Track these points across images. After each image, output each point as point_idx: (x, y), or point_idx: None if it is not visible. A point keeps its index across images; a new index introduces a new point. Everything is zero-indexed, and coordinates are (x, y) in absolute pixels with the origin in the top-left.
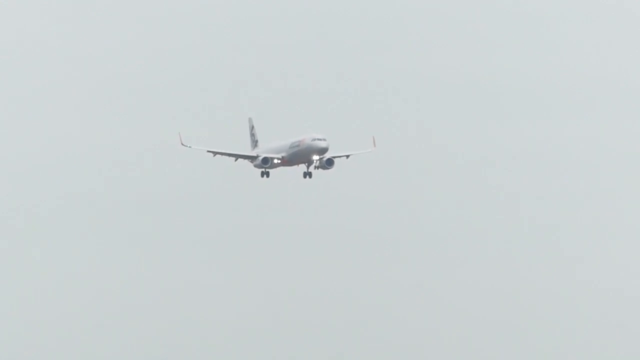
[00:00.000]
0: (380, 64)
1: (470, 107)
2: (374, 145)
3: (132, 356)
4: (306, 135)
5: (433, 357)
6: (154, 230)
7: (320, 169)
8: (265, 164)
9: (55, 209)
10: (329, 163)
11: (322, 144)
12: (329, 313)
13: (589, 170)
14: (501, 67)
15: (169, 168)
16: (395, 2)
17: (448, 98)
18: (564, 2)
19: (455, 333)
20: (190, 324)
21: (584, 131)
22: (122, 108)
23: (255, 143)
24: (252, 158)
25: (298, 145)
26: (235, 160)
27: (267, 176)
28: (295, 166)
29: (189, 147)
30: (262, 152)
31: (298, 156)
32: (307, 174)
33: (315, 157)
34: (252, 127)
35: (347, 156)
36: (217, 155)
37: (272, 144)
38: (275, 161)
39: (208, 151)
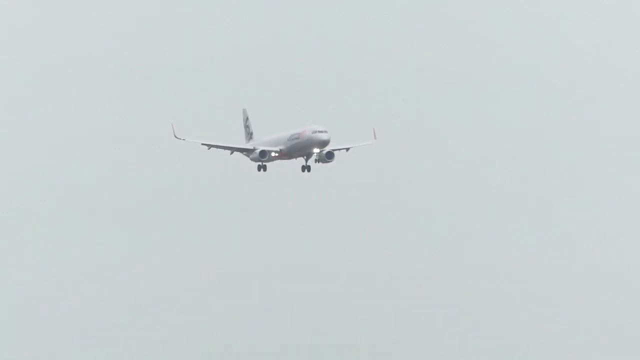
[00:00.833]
0: (380, 55)
1: (472, 100)
2: (375, 138)
3: (129, 353)
4: (306, 127)
5: (432, 353)
6: (148, 227)
7: (320, 163)
8: (263, 158)
9: (47, 204)
10: (329, 156)
11: (324, 136)
12: (329, 308)
13: (591, 165)
14: (500, 60)
15: (161, 162)
16: None
17: (450, 90)
18: (563, 1)
19: (455, 328)
20: (186, 319)
21: (586, 126)
22: (113, 100)
23: (250, 135)
24: (249, 151)
25: (298, 138)
26: (231, 153)
27: (265, 170)
28: (294, 159)
29: (183, 139)
30: (258, 144)
31: (297, 149)
32: (306, 168)
33: (316, 150)
34: (247, 119)
35: (347, 149)
36: (212, 149)
37: (269, 137)
38: (273, 154)
39: (202, 144)
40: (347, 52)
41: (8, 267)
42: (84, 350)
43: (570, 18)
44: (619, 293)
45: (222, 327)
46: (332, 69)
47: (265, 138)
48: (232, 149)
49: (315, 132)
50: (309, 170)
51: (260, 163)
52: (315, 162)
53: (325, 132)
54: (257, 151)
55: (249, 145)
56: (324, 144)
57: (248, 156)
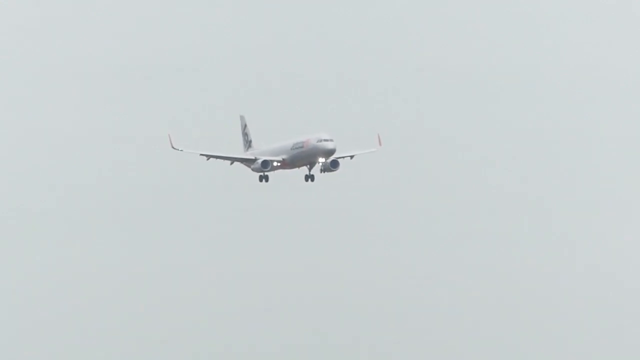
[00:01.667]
0: (380, 55)
1: (472, 100)
2: (380, 144)
3: (127, 354)
4: (310, 136)
5: (436, 357)
6: (147, 228)
7: (325, 172)
8: (266, 168)
9: (46, 204)
10: (334, 165)
11: (330, 145)
12: (336, 317)
13: (591, 165)
14: (500, 60)
15: (159, 174)
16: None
17: (450, 90)
18: (563, 1)
19: (464, 335)
20: (184, 320)
21: (586, 126)
22: (112, 100)
23: (248, 143)
24: (249, 161)
25: (302, 147)
26: (231, 163)
27: (267, 180)
28: (296, 169)
29: (181, 150)
30: (258, 153)
31: (301, 158)
32: (309, 177)
33: (321, 160)
34: (245, 126)
35: (352, 156)
36: (211, 159)
37: (270, 145)
38: (275, 164)
39: (201, 154)
40: (347, 53)
41: (6, 267)
42: (83, 350)
43: (570, 18)
44: (619, 293)
45: (221, 330)
46: (333, 70)
47: (266, 147)
48: (233, 159)
49: (320, 140)
50: (312, 180)
51: (262, 173)
52: (321, 172)
53: (331, 140)
54: (259, 161)
55: (249, 155)
56: (329, 153)
57: (249, 166)
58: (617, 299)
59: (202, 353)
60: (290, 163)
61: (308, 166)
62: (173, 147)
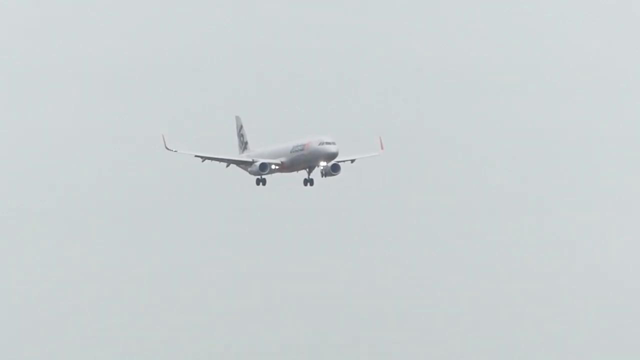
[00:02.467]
0: (383, 58)
1: (473, 100)
2: (382, 148)
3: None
4: (312, 138)
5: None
6: (145, 228)
7: (326, 176)
8: (264, 171)
9: (45, 204)
10: (335, 169)
11: (332, 149)
12: (333, 323)
13: (592, 165)
14: (506, 57)
15: (153, 175)
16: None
17: (457, 95)
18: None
19: (466, 338)
20: (183, 320)
21: (587, 126)
22: (106, 108)
23: (244, 145)
24: (247, 164)
25: (302, 150)
26: (227, 166)
27: (264, 184)
28: (295, 172)
29: (175, 151)
30: (255, 155)
31: (300, 162)
32: (308, 181)
33: (323, 164)
34: (241, 127)
35: (352, 160)
36: (207, 161)
37: (268, 147)
38: (273, 167)
39: (196, 156)
40: (347, 53)
41: (5, 266)
42: (81, 349)
43: (570, 18)
44: (619, 293)
45: (218, 331)
46: (331, 71)
47: (264, 149)
48: (229, 162)
49: (322, 143)
50: (311, 184)
51: (259, 177)
52: (322, 176)
53: (334, 143)
54: (257, 164)
55: (246, 157)
56: (331, 156)
57: (245, 169)
58: (617, 298)
59: (200, 354)
60: (289, 166)
61: (307, 170)
62: (167, 148)
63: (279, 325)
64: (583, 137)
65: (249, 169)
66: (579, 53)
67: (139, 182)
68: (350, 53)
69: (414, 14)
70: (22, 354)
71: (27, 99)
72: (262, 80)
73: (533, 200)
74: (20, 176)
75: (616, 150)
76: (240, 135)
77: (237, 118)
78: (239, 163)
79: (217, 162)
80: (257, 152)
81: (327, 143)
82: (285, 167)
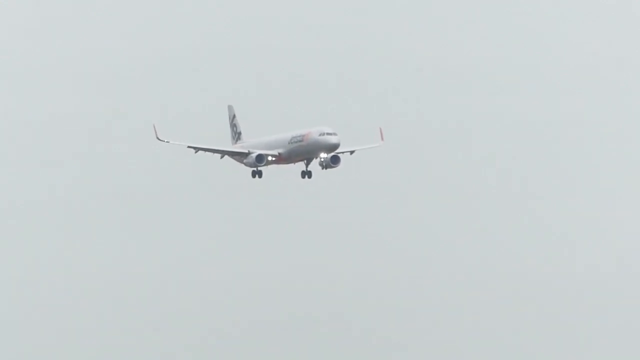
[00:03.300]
0: (383, 55)
1: (472, 99)
2: (382, 139)
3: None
4: (311, 129)
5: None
6: (144, 228)
7: (326, 168)
8: (260, 163)
9: (44, 204)
10: (335, 161)
11: (333, 140)
12: (333, 321)
13: (594, 164)
14: (506, 56)
15: (142, 168)
16: None
17: (450, 90)
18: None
19: (467, 335)
20: (181, 320)
21: (588, 125)
22: (100, 99)
23: (237, 135)
24: (242, 155)
25: (301, 141)
26: (222, 157)
27: (260, 176)
28: (292, 164)
29: (167, 142)
30: (250, 146)
31: (299, 153)
32: (306, 173)
33: (323, 155)
34: (233, 117)
35: (352, 152)
36: (200, 152)
37: (263, 138)
38: (270, 158)
39: (189, 147)
40: (346, 51)
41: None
42: (78, 348)
43: (570, 17)
44: (620, 293)
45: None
46: (327, 63)
47: (259, 139)
48: (224, 153)
49: (322, 134)
50: (309, 176)
51: (255, 169)
52: (322, 168)
53: (335, 134)
54: (254, 155)
55: (240, 148)
56: (333, 147)
57: (240, 161)
58: (618, 298)
59: (196, 350)
60: (286, 158)
61: (305, 161)
62: (158, 139)
63: (276, 322)
64: (586, 136)
65: (244, 161)
66: (578, 52)
67: (129, 175)
68: (349, 48)
69: (419, 5)
70: (22, 353)
71: (26, 98)
72: (258, 72)
73: (533, 194)
74: (15, 170)
75: (617, 149)
76: (233, 125)
77: (230, 107)
78: (233, 154)
79: (211, 153)
80: (252, 142)
81: (328, 134)
82: (282, 159)
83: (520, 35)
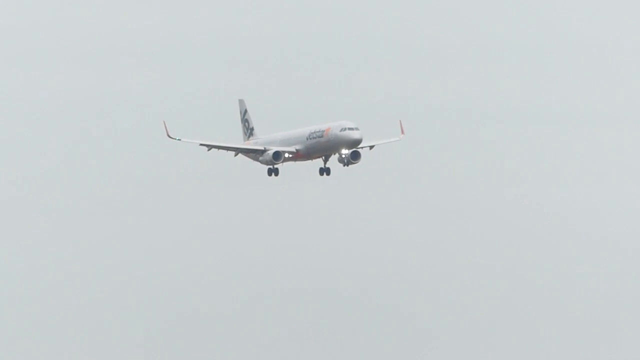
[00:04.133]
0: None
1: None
2: (402, 133)
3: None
4: (332, 124)
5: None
6: (143, 228)
7: (347, 165)
8: (277, 160)
9: (44, 203)
10: (355, 157)
11: (355, 135)
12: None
13: (596, 164)
14: (530, 45)
15: (153, 167)
16: None
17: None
18: None
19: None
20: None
21: (591, 124)
22: (106, 91)
23: (250, 131)
24: (257, 152)
25: (321, 136)
26: (236, 155)
27: (276, 174)
28: (309, 161)
29: (178, 139)
30: (264, 143)
31: (319, 149)
32: (325, 170)
33: (345, 151)
34: (245, 111)
35: (371, 147)
36: (212, 150)
37: (279, 134)
38: (287, 155)
39: (201, 144)
40: (363, 41)
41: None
42: (76, 347)
43: (571, 16)
44: (620, 293)
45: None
46: (347, 56)
47: (274, 135)
48: (238, 150)
49: (344, 129)
50: (328, 174)
51: (271, 166)
52: (344, 165)
53: (357, 129)
54: (270, 152)
55: (255, 145)
56: (355, 143)
57: (255, 158)
58: (619, 298)
59: (201, 347)
60: (304, 154)
61: (323, 158)
62: (169, 136)
63: (287, 320)
64: (590, 135)
65: (260, 158)
66: (580, 51)
67: (140, 174)
68: (366, 38)
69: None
70: (21, 353)
71: (24, 96)
72: (270, 65)
73: (563, 186)
74: (23, 164)
75: (618, 149)
76: (245, 121)
77: (241, 102)
78: (248, 152)
79: (225, 151)
80: (267, 139)
81: (350, 129)
82: (300, 156)
83: (543, 23)
